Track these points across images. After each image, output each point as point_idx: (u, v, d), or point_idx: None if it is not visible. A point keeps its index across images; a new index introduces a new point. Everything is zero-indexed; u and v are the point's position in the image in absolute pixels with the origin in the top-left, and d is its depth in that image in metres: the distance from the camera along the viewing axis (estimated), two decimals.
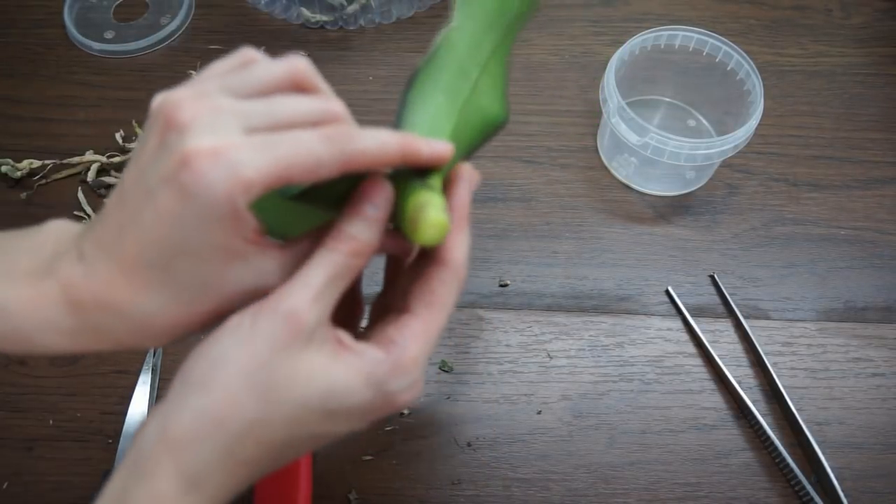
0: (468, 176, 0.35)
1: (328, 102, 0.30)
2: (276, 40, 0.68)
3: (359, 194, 0.31)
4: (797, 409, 0.50)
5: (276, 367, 0.28)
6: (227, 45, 0.68)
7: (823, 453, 0.48)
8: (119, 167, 0.61)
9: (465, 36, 0.36)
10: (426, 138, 0.31)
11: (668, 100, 0.64)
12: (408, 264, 0.35)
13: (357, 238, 0.30)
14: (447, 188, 0.34)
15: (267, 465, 0.30)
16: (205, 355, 0.29)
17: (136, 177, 0.28)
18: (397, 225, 0.33)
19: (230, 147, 0.26)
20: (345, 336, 0.30)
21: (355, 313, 0.36)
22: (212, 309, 0.30)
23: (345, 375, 0.29)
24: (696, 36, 0.57)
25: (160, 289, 0.29)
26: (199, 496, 0.28)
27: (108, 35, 0.69)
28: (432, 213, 0.30)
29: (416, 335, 0.31)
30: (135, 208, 0.28)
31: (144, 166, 0.28)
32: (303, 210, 0.32)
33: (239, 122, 0.27)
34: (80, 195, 0.59)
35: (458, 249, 0.33)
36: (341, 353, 0.30)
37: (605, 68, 0.56)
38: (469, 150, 0.37)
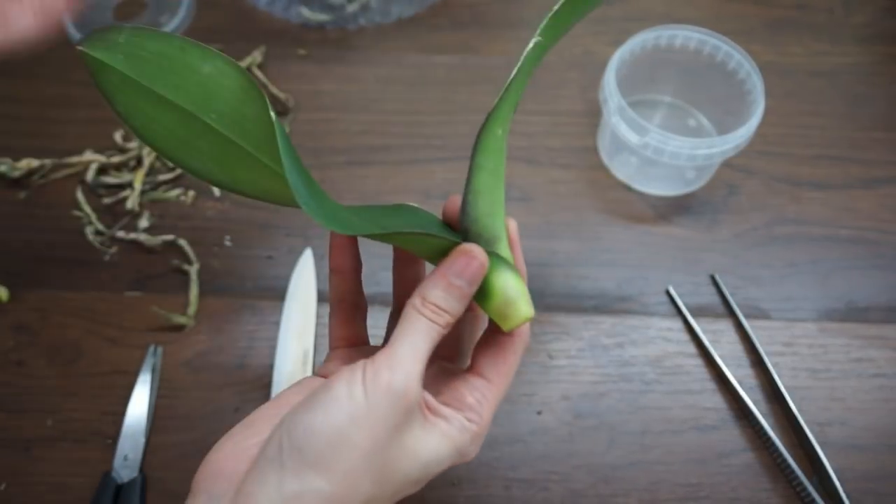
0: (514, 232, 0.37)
1: None
2: (275, 40, 0.68)
3: (454, 265, 0.32)
4: (798, 410, 0.50)
5: (391, 448, 0.30)
6: (227, 44, 0.68)
7: (825, 454, 0.48)
8: (118, 166, 0.60)
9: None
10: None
11: (668, 99, 0.64)
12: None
13: (450, 312, 0.32)
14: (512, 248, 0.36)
15: None
16: (318, 432, 0.29)
17: None
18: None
19: None
20: (429, 398, 0.32)
21: (360, 308, 0.38)
22: None
23: (438, 446, 0.31)
24: (696, 35, 0.57)
25: None
26: None
27: None
28: (524, 308, 0.33)
29: (490, 403, 0.34)
30: None
31: None
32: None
33: None
34: (79, 195, 0.59)
35: None
36: (431, 419, 0.31)
37: (605, 68, 0.56)
38: None
